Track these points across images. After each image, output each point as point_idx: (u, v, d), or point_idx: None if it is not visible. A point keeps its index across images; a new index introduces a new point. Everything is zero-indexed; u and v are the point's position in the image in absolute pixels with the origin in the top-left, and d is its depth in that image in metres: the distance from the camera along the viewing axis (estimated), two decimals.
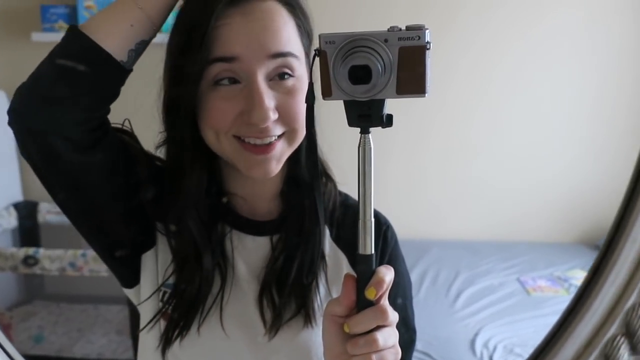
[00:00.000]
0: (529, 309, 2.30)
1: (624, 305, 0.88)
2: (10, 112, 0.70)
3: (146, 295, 0.82)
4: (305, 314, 0.80)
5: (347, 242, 0.86)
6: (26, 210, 2.67)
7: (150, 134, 0.83)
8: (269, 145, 0.74)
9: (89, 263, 2.11)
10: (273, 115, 0.72)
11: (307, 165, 0.82)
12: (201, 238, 0.79)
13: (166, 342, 0.80)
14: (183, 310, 0.79)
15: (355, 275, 0.62)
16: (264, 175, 0.76)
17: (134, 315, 0.89)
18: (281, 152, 0.76)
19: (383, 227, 0.87)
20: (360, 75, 0.55)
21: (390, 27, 0.57)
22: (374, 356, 0.60)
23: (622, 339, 0.88)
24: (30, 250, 2.15)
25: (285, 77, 0.74)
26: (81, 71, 0.68)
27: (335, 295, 0.82)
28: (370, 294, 0.60)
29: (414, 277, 2.51)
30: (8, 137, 0.75)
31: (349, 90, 0.57)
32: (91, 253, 2.10)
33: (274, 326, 0.80)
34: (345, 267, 0.85)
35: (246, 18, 0.71)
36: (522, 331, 2.12)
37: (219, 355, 0.80)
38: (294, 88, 0.74)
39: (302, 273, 0.81)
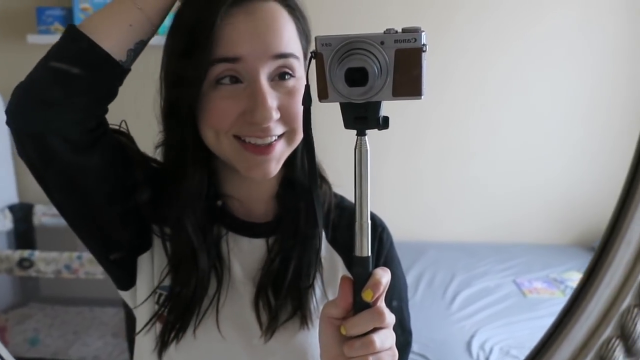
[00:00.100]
0: (525, 311, 2.30)
1: (619, 307, 0.88)
2: (7, 112, 0.70)
3: (142, 298, 0.82)
4: (302, 316, 0.80)
5: (343, 244, 0.86)
6: (21, 213, 2.66)
7: (146, 136, 0.82)
8: (269, 146, 0.74)
9: (84, 265, 2.10)
10: (275, 115, 0.72)
11: (303, 167, 0.82)
12: (197, 240, 0.79)
13: (162, 344, 0.79)
14: (179, 313, 0.79)
15: (351, 277, 0.63)
16: (264, 176, 0.76)
17: (130, 317, 0.88)
18: (281, 153, 0.76)
19: (379, 229, 0.87)
20: (357, 77, 0.55)
21: (387, 30, 0.57)
22: (370, 358, 0.60)
23: (617, 341, 0.88)
24: (26, 253, 2.15)
25: (286, 77, 0.74)
26: (75, 74, 0.67)
27: (331, 297, 0.82)
28: (367, 296, 0.60)
29: (410, 279, 2.51)
30: (3, 140, 0.74)
31: (345, 92, 0.57)
32: (87, 255, 2.09)
33: (270, 328, 0.79)
34: (341, 269, 0.85)
35: (249, 18, 0.72)
36: (518, 333, 2.12)
37: (215, 358, 0.80)
38: (295, 88, 0.74)
39: (298, 275, 0.81)
